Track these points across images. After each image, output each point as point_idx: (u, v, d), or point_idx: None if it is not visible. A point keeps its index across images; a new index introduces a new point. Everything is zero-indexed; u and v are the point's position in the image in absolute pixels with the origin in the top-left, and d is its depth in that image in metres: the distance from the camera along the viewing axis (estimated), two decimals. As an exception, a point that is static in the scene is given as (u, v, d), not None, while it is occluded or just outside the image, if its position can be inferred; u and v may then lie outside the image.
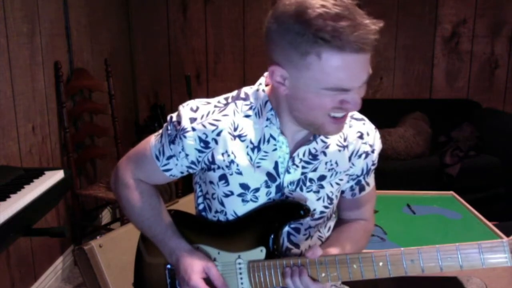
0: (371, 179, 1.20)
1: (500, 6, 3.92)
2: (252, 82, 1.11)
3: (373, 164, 1.17)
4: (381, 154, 1.19)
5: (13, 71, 2.16)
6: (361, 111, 1.08)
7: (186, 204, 1.57)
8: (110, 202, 2.99)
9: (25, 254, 2.31)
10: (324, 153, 1.09)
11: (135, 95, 4.10)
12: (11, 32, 2.14)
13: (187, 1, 3.95)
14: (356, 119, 1.14)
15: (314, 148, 1.08)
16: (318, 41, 0.87)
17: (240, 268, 1.09)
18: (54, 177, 1.65)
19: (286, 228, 1.10)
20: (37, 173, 1.66)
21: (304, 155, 1.07)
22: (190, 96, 3.17)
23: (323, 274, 1.00)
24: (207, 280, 1.08)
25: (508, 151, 3.35)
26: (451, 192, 2.47)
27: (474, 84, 4.05)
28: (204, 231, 1.16)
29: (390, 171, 3.25)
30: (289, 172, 1.07)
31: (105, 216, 3.39)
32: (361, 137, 1.13)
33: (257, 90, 1.09)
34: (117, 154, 3.08)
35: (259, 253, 1.07)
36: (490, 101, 4.02)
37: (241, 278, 1.09)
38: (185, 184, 3.14)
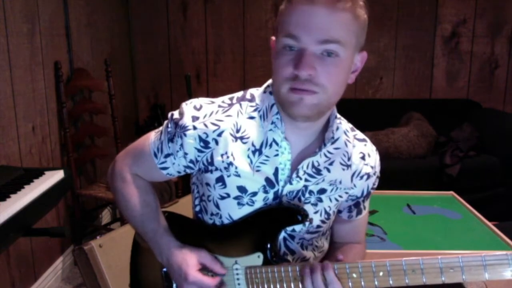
0: (367, 203, 1.20)
1: (500, 6, 3.92)
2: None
3: (372, 188, 1.16)
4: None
5: (13, 71, 2.16)
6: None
7: (186, 204, 1.56)
8: (110, 202, 2.99)
9: (25, 254, 2.31)
10: (328, 170, 1.07)
11: (135, 95, 4.10)
12: (11, 32, 2.14)
13: (187, 1, 3.95)
14: (358, 139, 1.13)
15: (317, 162, 1.06)
16: None
17: (237, 274, 1.07)
18: (54, 177, 1.65)
19: (283, 234, 1.09)
20: (37, 173, 1.66)
21: (307, 167, 1.05)
22: (190, 96, 3.17)
23: None
24: (204, 271, 1.06)
25: (508, 151, 3.35)
26: (451, 192, 2.47)
27: (474, 84, 4.06)
28: (199, 234, 1.13)
29: (390, 171, 3.24)
30: (291, 183, 1.05)
31: (105, 216, 3.39)
32: (363, 158, 1.12)
33: (264, 92, 1.07)
34: (117, 154, 3.08)
35: (256, 258, 1.05)
36: (490, 101, 4.03)
37: (239, 284, 1.07)
38: (185, 184, 3.14)
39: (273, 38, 1.03)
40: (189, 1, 3.95)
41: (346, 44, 0.93)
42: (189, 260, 1.05)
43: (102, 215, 3.33)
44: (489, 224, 2.06)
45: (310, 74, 0.91)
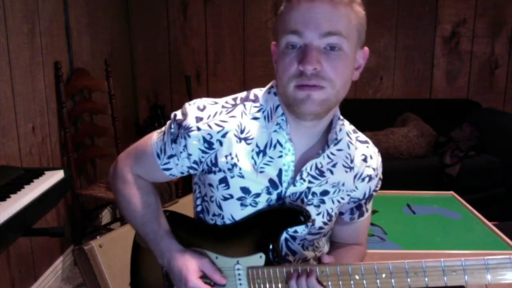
0: (370, 205, 1.19)
1: (500, 6, 3.92)
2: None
3: (374, 190, 1.16)
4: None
5: (13, 71, 2.16)
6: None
7: (186, 204, 1.56)
8: (110, 202, 2.99)
9: (25, 254, 2.31)
10: (331, 172, 1.07)
11: (135, 95, 4.10)
12: (11, 32, 2.14)
13: (187, 1, 3.95)
14: (360, 141, 1.13)
15: (321, 163, 1.05)
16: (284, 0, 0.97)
17: (239, 274, 1.06)
18: (54, 177, 1.65)
19: (284, 235, 1.08)
20: (37, 173, 1.66)
21: (311, 169, 1.05)
22: (190, 96, 3.17)
23: (324, 283, 0.97)
24: (204, 278, 1.05)
25: (508, 151, 3.35)
26: (451, 192, 2.47)
27: (474, 84, 4.06)
28: (201, 234, 1.12)
29: (390, 171, 3.23)
30: (294, 185, 1.04)
31: (105, 216, 3.39)
32: (365, 160, 1.11)
33: (269, 92, 1.07)
34: (117, 154, 3.06)
35: (258, 259, 1.04)
36: (490, 101, 4.03)
37: (240, 284, 1.06)
38: (185, 184, 3.14)
39: (273, 42, 1.02)
40: (189, 1, 3.95)
41: (348, 37, 0.93)
42: (189, 265, 1.04)
43: (102, 215, 3.33)
44: (489, 224, 2.06)
45: (315, 68, 0.91)
